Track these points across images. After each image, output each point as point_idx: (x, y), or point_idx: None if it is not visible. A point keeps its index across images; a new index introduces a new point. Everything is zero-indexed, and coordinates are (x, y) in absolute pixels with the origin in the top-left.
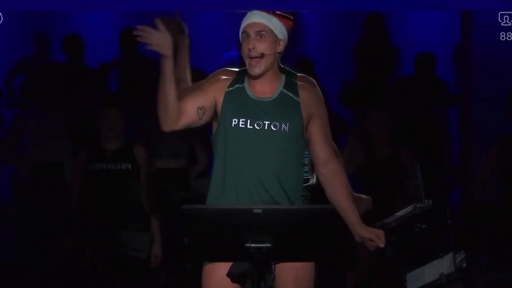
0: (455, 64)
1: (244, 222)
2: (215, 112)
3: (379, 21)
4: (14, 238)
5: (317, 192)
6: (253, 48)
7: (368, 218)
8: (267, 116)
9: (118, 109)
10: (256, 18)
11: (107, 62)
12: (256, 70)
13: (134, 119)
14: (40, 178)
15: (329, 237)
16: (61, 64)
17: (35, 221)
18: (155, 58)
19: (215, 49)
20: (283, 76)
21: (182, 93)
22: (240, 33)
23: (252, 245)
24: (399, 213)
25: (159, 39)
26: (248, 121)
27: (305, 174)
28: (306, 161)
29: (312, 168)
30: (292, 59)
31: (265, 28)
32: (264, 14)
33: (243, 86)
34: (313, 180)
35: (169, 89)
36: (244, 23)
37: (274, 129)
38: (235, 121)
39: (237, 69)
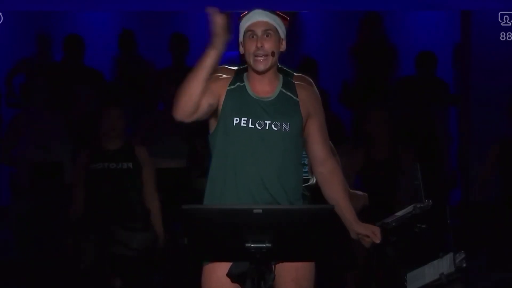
0: (455, 64)
1: (244, 222)
2: (215, 110)
3: (376, 21)
4: (14, 238)
5: (317, 192)
6: (262, 46)
7: (368, 218)
8: (268, 116)
9: (120, 109)
10: (262, 17)
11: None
12: (261, 66)
13: (134, 119)
14: (40, 178)
15: (329, 237)
16: (61, 64)
17: (35, 221)
18: (154, 60)
19: None
20: (281, 76)
21: None
22: (243, 32)
23: (252, 245)
24: (399, 213)
25: (223, 28)
26: (250, 120)
27: (305, 174)
28: (306, 161)
29: None
30: (295, 60)
31: (271, 27)
32: (268, 13)
33: (244, 85)
34: (313, 180)
35: (202, 81)
36: (248, 22)
37: (275, 128)
38: (236, 120)
39: (235, 68)
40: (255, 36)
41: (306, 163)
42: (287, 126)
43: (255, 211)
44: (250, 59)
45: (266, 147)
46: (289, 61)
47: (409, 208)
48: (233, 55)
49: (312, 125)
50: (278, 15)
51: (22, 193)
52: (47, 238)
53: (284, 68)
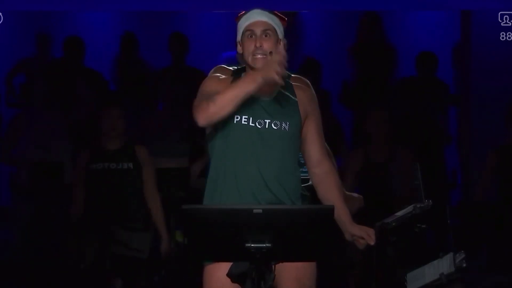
0: (455, 64)
1: (244, 222)
2: None
3: (375, 21)
4: (14, 238)
5: (316, 191)
6: (260, 46)
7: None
8: (268, 115)
9: (120, 109)
10: (261, 16)
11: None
12: (260, 64)
13: (134, 119)
14: (40, 178)
15: (329, 237)
16: (61, 64)
17: (35, 221)
18: (154, 60)
19: (215, 49)
20: None
21: (213, 96)
22: (242, 31)
23: (252, 245)
24: (399, 213)
25: (276, 73)
26: (250, 118)
27: (304, 174)
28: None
29: None
30: (296, 60)
31: (270, 27)
32: (267, 13)
33: None
34: None
35: (238, 105)
36: (246, 22)
37: (275, 128)
38: (237, 118)
39: (231, 68)
40: (254, 36)
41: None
42: (286, 125)
43: (255, 211)
44: (249, 59)
45: (266, 146)
46: (290, 61)
47: (409, 208)
48: (232, 55)
49: (309, 126)
50: (276, 15)
51: (22, 193)
52: (47, 238)
53: None
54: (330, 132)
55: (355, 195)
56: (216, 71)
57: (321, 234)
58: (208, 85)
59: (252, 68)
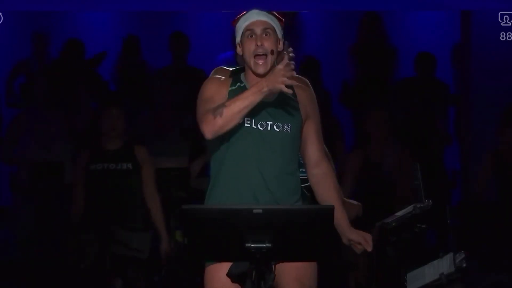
0: (455, 64)
1: (244, 222)
2: None
3: (375, 21)
4: (14, 238)
5: (314, 192)
6: (261, 45)
7: (368, 219)
8: (269, 117)
9: (120, 109)
10: (260, 16)
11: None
12: (262, 69)
13: (134, 119)
14: (40, 178)
15: (329, 237)
16: (60, 65)
17: (35, 221)
18: (154, 59)
19: (215, 49)
20: None
21: (220, 107)
22: (241, 32)
23: (252, 245)
24: (399, 213)
25: (282, 83)
26: (253, 120)
27: (304, 174)
28: None
29: None
30: (296, 60)
31: (269, 26)
32: (266, 13)
33: (244, 85)
34: None
35: (245, 113)
36: (246, 22)
37: (277, 129)
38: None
39: (230, 68)
40: (254, 36)
41: None
42: (288, 127)
43: (255, 211)
44: (250, 60)
45: (267, 148)
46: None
47: (409, 208)
48: (228, 55)
49: (309, 127)
50: (274, 15)
51: (22, 193)
52: (47, 238)
53: None
54: (329, 132)
55: (354, 202)
56: (215, 73)
57: (321, 234)
58: (208, 88)
59: (252, 69)
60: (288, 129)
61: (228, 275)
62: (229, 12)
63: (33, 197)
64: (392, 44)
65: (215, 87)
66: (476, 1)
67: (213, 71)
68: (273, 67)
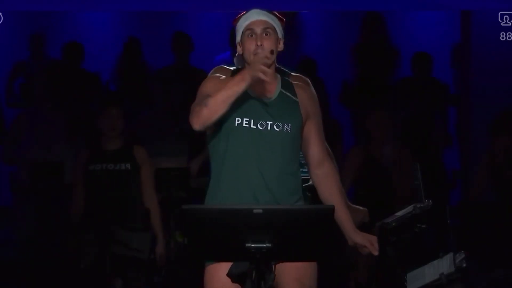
0: (455, 64)
1: (244, 222)
2: None
3: (378, 21)
4: (14, 237)
5: (317, 192)
6: (261, 45)
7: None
8: (269, 117)
9: (119, 109)
10: (260, 16)
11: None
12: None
13: (134, 119)
14: (40, 178)
15: (329, 237)
16: (60, 66)
17: (35, 221)
18: (153, 59)
19: (215, 49)
20: (279, 76)
21: (206, 98)
22: (241, 31)
23: (252, 245)
24: (399, 213)
25: (260, 71)
26: (252, 120)
27: (305, 174)
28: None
29: None
30: (292, 60)
31: (269, 25)
32: (266, 12)
33: None
34: None
35: (229, 104)
36: (246, 21)
37: (277, 129)
38: (238, 120)
39: (231, 68)
40: (254, 35)
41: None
42: (288, 126)
43: (255, 211)
44: (250, 58)
45: (268, 148)
46: (290, 61)
47: (409, 208)
48: (225, 56)
49: (310, 126)
50: (275, 15)
51: (23, 193)
52: (47, 238)
53: (281, 68)
54: (328, 134)
55: (360, 208)
56: (215, 72)
57: (321, 234)
58: (207, 85)
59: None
60: (288, 129)
61: (228, 275)
62: (229, 12)
63: (33, 197)
64: (394, 45)
65: (213, 85)
66: (476, 1)
67: (213, 70)
68: (271, 68)
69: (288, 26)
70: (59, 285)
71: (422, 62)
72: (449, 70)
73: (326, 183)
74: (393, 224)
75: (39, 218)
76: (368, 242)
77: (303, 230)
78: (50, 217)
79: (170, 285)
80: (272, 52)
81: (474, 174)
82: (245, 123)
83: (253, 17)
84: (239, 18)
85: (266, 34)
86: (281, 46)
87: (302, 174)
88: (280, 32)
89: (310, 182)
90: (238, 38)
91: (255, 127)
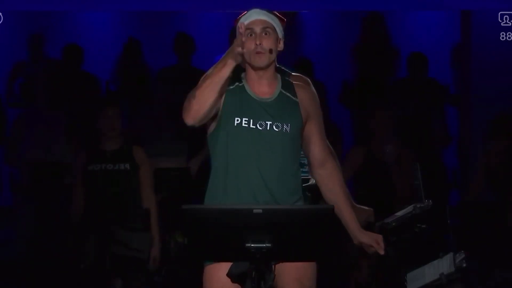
0: (455, 64)
1: (244, 222)
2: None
3: (378, 21)
4: (15, 238)
5: (318, 192)
6: (260, 44)
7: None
8: (269, 117)
9: (117, 108)
10: (260, 15)
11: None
12: (260, 61)
13: (134, 120)
14: (40, 178)
15: (329, 237)
16: (60, 67)
17: (35, 221)
18: (153, 59)
19: (215, 49)
20: (279, 76)
21: (193, 91)
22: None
23: (252, 245)
24: (399, 213)
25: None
26: (251, 120)
27: (305, 174)
28: (306, 161)
29: None
30: (292, 60)
31: (269, 25)
32: (266, 12)
33: (243, 85)
34: (313, 180)
35: (218, 90)
36: (246, 21)
37: (277, 129)
38: (237, 120)
39: None
40: (253, 34)
41: (305, 163)
42: (288, 126)
43: (255, 211)
44: (250, 57)
45: (267, 148)
46: (289, 61)
47: (409, 208)
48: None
49: (311, 126)
50: (275, 15)
51: (23, 193)
52: (47, 238)
53: (282, 68)
54: (328, 134)
55: (365, 208)
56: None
57: (321, 234)
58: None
59: (252, 66)
60: (288, 129)
61: (228, 275)
62: (229, 12)
63: (33, 197)
64: (394, 45)
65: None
66: (476, 1)
67: (210, 69)
68: (271, 67)
69: (288, 26)
70: (59, 285)
71: (417, 63)
72: (449, 70)
73: (330, 183)
74: (393, 224)
75: (39, 218)
76: (374, 242)
77: (303, 230)
78: (50, 217)
79: (170, 285)
80: (271, 51)
81: (473, 174)
82: (244, 123)
83: (253, 16)
84: (240, 17)
85: (266, 34)
86: (281, 46)
87: (302, 174)
88: (280, 32)
89: (310, 182)
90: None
91: (254, 127)
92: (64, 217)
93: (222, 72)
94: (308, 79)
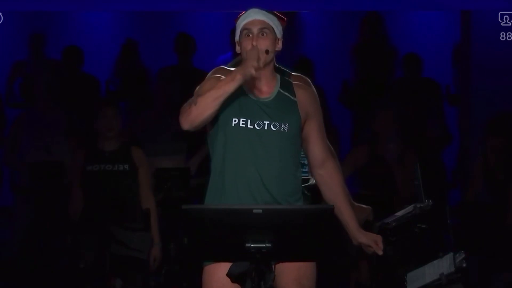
0: (455, 64)
1: (244, 222)
2: None
3: (377, 21)
4: (14, 237)
5: (317, 192)
6: (256, 45)
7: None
8: (266, 116)
9: (116, 109)
10: (258, 15)
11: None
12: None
13: (134, 120)
14: (40, 178)
15: (329, 237)
16: (60, 67)
17: (35, 221)
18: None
19: (215, 49)
20: (278, 76)
21: (196, 98)
22: (239, 31)
23: (252, 245)
24: (399, 213)
25: (253, 67)
26: (248, 121)
27: (305, 174)
28: (305, 161)
29: None
30: (292, 59)
31: (267, 25)
32: (265, 12)
33: (241, 85)
34: (313, 180)
35: (220, 103)
36: (244, 20)
37: (274, 129)
38: (235, 121)
39: (232, 68)
40: (250, 35)
41: (305, 163)
42: (285, 126)
43: (255, 211)
44: (246, 57)
45: (265, 148)
46: (289, 61)
47: (409, 208)
48: (228, 57)
49: (311, 126)
50: (275, 15)
51: (23, 193)
52: (47, 238)
53: (282, 68)
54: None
55: (364, 206)
56: (215, 73)
57: (321, 234)
58: (204, 86)
59: None
60: (286, 129)
61: (228, 275)
62: (229, 12)
63: (33, 197)
64: (394, 45)
65: (211, 86)
66: (476, 1)
67: (212, 70)
68: (269, 67)
69: (288, 26)
70: (59, 285)
71: (411, 63)
72: (449, 70)
73: (330, 183)
74: (393, 224)
75: (39, 218)
76: (372, 242)
77: (303, 230)
78: (50, 217)
79: (170, 285)
80: (267, 52)
81: (471, 173)
82: (242, 123)
83: (251, 16)
84: (239, 17)
85: (263, 34)
86: (279, 46)
87: (302, 174)
88: (278, 32)
89: (310, 182)
90: (237, 37)
91: (252, 127)
92: (64, 217)
93: (229, 86)
94: (308, 79)
